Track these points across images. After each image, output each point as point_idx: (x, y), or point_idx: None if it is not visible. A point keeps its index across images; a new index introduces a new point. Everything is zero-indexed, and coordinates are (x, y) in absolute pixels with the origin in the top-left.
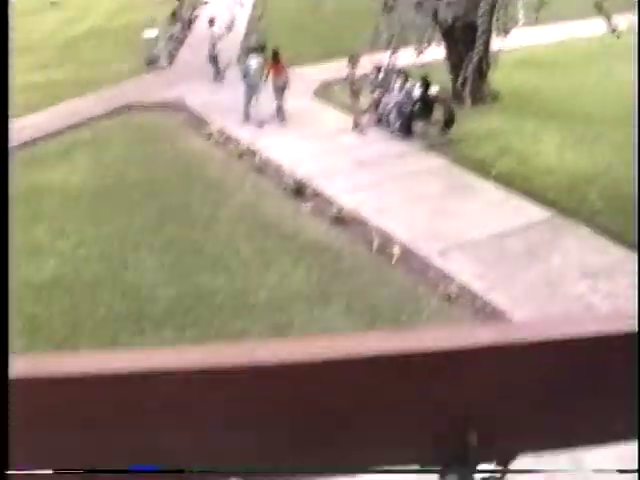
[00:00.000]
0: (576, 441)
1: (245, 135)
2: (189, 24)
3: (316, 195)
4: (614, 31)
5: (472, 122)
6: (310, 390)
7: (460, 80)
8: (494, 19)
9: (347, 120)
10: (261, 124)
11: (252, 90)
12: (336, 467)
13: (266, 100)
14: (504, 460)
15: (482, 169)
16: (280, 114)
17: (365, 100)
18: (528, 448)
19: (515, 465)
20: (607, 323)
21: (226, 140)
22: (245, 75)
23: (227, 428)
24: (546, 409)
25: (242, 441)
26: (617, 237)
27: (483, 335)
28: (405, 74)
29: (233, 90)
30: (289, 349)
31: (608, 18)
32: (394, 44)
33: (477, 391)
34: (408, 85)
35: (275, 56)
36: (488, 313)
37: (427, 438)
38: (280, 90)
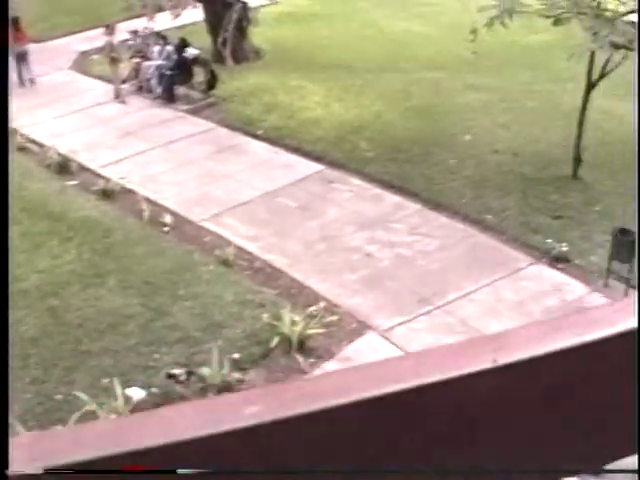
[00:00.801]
0: None
1: None
2: None
3: (82, 170)
4: None
5: (236, 81)
6: None
7: (220, 40)
8: None
9: (108, 90)
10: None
11: None
12: None
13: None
14: None
15: (249, 128)
16: (28, 81)
17: (125, 68)
18: None
19: None
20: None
21: None
22: None
23: None
24: None
25: None
26: (389, 185)
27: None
28: (164, 38)
29: None
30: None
31: None
32: (149, 9)
33: None
34: (167, 49)
35: (15, 22)
36: (268, 273)
37: None
38: (22, 57)
